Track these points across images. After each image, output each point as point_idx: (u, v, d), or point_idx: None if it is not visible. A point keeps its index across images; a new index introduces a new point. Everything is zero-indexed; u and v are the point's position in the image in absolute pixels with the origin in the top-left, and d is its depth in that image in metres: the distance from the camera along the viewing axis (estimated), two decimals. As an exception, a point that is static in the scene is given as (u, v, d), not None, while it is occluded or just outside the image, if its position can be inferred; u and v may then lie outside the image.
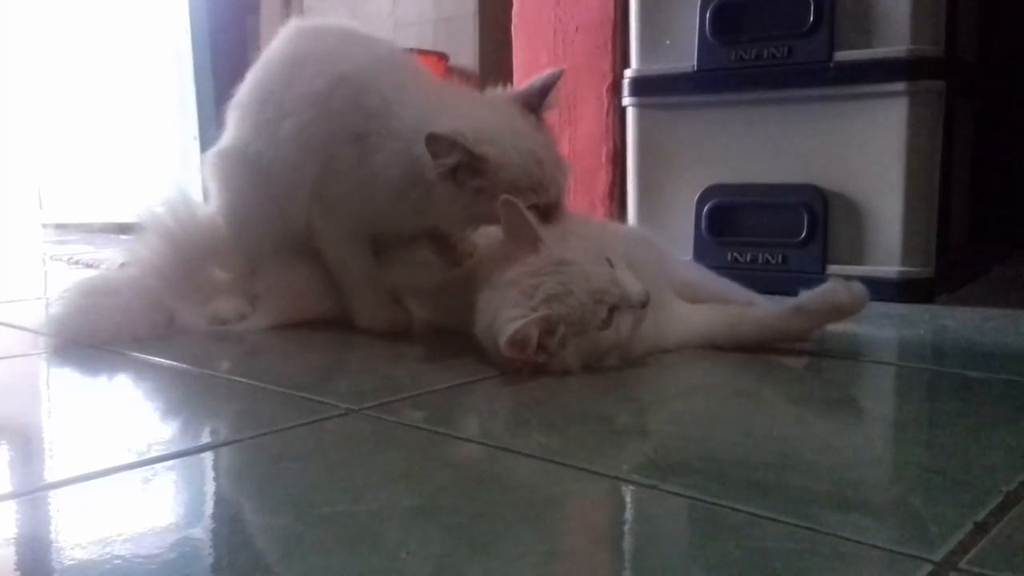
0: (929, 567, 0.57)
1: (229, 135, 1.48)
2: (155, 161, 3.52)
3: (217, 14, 3.38)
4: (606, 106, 2.13)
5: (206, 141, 3.36)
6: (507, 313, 1.07)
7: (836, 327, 1.27)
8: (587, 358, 1.09)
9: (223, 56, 3.31)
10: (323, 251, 1.42)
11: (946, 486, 0.72)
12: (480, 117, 1.21)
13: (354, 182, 1.33)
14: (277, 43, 1.45)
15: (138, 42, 3.48)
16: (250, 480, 0.79)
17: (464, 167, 1.17)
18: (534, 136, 1.22)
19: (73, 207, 3.91)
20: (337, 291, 1.45)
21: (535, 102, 1.25)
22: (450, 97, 1.30)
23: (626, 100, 1.95)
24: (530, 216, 1.11)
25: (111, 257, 2.46)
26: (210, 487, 0.79)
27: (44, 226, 3.99)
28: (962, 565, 0.58)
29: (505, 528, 0.65)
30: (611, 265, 1.10)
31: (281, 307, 1.45)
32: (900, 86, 1.61)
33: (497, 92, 1.29)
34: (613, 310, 1.07)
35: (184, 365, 1.19)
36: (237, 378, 1.11)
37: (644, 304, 1.08)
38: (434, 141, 1.15)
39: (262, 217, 1.42)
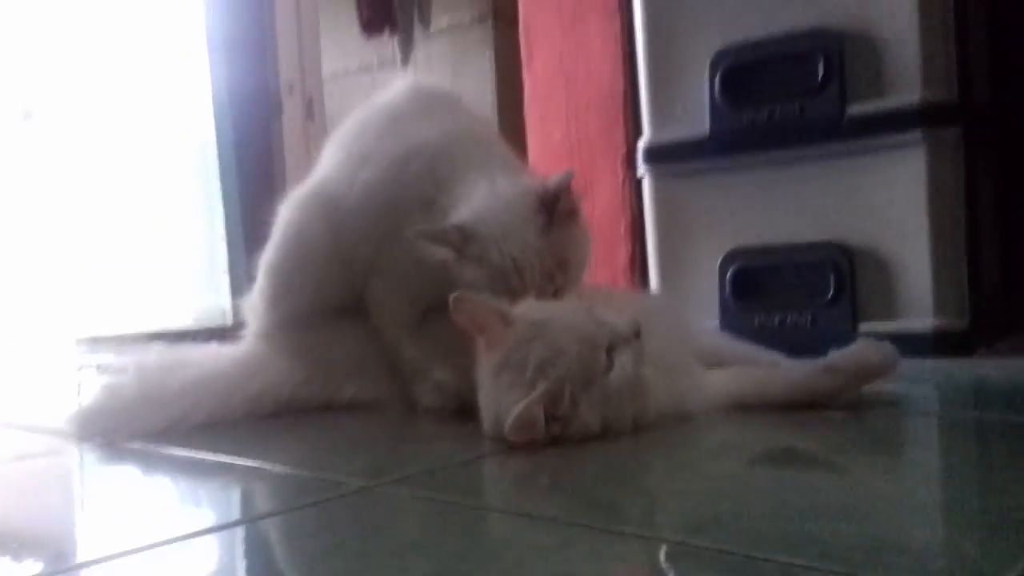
0: (985, 607, 0.53)
1: (317, 173, 1.51)
2: (182, 268, 3.56)
3: (241, 119, 3.47)
4: (621, 178, 2.12)
5: (233, 241, 3.43)
6: (507, 398, 1.02)
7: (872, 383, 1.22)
8: (605, 411, 1.02)
9: (248, 159, 3.39)
10: (382, 329, 1.41)
11: (995, 527, 0.67)
12: (484, 219, 1.22)
13: None
14: (389, 92, 1.49)
15: (164, 148, 3.57)
16: (265, 557, 0.75)
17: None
18: (525, 242, 1.20)
19: (104, 320, 3.95)
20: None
21: (549, 205, 1.22)
22: (485, 189, 1.28)
23: (641, 170, 1.95)
24: (482, 298, 1.07)
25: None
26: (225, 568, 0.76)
27: (77, 342, 4.02)
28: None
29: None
30: (590, 310, 1.06)
31: None
32: (916, 135, 1.58)
33: (526, 182, 1.28)
34: (611, 351, 1.02)
35: (200, 454, 1.16)
36: (251, 463, 1.08)
37: (637, 333, 1.04)
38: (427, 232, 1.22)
39: (325, 259, 1.42)
